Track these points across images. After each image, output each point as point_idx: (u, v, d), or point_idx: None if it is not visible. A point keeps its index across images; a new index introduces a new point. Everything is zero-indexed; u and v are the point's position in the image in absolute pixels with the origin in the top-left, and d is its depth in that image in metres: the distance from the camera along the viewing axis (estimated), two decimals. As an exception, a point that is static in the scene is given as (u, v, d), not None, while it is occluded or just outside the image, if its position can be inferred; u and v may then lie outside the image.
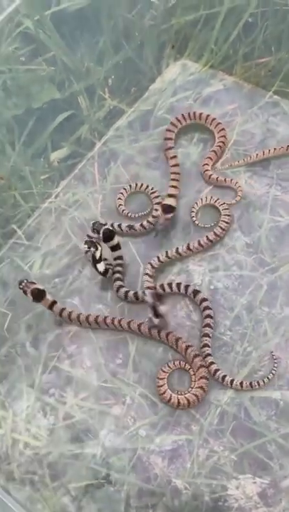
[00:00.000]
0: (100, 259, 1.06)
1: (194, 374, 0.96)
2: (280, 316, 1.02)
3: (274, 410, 0.93)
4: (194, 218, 1.15)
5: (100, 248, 1.06)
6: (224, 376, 0.95)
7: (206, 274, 1.09)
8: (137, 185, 1.22)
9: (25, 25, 1.32)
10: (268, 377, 0.94)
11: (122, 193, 1.20)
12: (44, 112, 1.27)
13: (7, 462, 0.93)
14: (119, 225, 1.15)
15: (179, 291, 1.05)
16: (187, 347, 0.98)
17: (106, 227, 1.07)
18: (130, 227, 1.15)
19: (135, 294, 1.05)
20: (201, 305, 1.02)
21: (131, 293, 1.05)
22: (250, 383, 0.94)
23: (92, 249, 1.05)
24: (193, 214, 1.16)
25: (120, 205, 1.19)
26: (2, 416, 0.97)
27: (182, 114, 1.28)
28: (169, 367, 0.98)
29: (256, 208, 1.16)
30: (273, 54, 1.32)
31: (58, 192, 1.25)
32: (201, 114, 1.27)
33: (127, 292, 1.05)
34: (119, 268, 1.09)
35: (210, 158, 1.21)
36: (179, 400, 0.93)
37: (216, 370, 0.95)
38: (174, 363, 0.98)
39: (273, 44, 1.33)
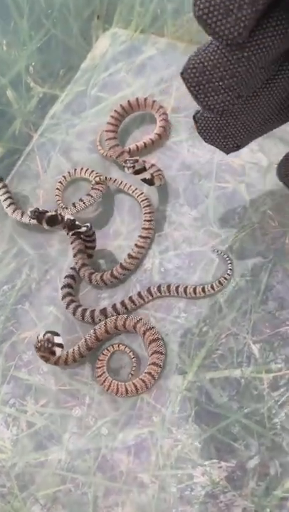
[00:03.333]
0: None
1: (149, 356, 0.93)
2: (234, 290, 0.97)
3: (235, 389, 0.89)
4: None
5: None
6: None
7: (155, 256, 1.04)
8: (75, 170, 1.16)
9: None
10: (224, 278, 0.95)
11: (58, 187, 1.15)
12: (-29, 114, 1.22)
13: (-24, 478, 0.93)
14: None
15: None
16: (145, 331, 0.95)
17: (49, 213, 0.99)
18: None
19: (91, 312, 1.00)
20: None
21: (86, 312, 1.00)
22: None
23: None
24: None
25: (58, 200, 1.13)
26: None
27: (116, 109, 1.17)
28: (104, 354, 0.95)
29: (201, 177, 1.09)
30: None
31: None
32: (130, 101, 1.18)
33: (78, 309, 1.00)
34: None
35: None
36: (125, 387, 0.90)
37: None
38: (107, 349, 0.96)
39: (201, -6, 1.23)
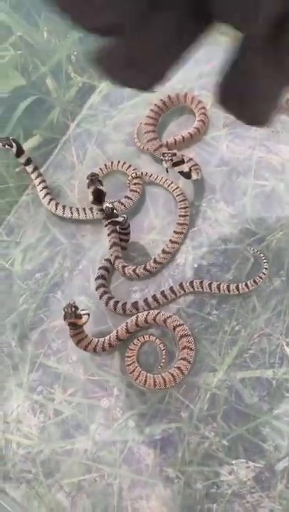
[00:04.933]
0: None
1: (179, 351, 0.93)
2: (269, 290, 0.95)
3: (266, 390, 0.88)
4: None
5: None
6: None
7: (188, 252, 1.03)
8: (112, 163, 1.16)
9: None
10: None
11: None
12: (11, 102, 1.22)
13: (2, 463, 0.94)
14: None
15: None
16: (176, 326, 0.94)
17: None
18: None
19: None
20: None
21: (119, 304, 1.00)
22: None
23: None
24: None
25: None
26: (-6, 417, 0.97)
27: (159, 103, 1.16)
28: (135, 344, 0.95)
29: (240, 174, 1.08)
30: None
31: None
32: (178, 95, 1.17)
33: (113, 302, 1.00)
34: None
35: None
36: (154, 379, 0.90)
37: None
38: (137, 339, 0.95)
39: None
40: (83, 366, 0.97)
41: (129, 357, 0.93)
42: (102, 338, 0.95)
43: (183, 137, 1.13)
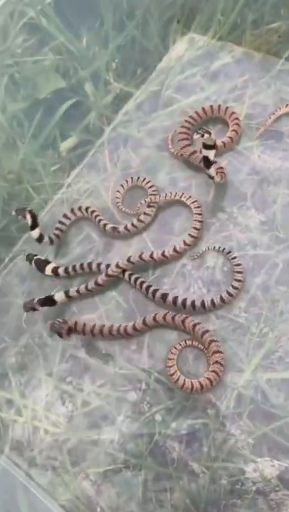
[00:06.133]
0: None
1: (209, 356, 0.95)
2: (297, 295, 0.98)
3: (292, 392, 0.91)
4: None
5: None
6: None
7: (219, 255, 1.07)
8: (135, 178, 1.19)
9: (29, 15, 1.32)
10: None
11: (119, 190, 1.18)
12: (50, 103, 1.27)
13: (29, 449, 0.96)
14: (104, 226, 1.13)
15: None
16: (194, 325, 0.97)
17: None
18: (114, 229, 1.12)
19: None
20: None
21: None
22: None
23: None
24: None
25: (118, 201, 1.17)
26: (23, 404, 1.00)
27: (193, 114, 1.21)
28: (176, 348, 0.97)
29: (270, 183, 1.11)
30: (283, 18, 1.25)
31: (70, 182, 1.26)
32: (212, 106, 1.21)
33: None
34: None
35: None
36: (192, 383, 0.92)
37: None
38: (179, 344, 0.98)
39: (283, 7, 1.26)
40: (112, 359, 1.00)
41: (170, 359, 0.96)
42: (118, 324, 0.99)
43: (217, 145, 1.17)
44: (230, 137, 1.17)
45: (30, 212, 1.10)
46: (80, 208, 1.16)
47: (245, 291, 1.01)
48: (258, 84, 1.24)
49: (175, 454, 0.90)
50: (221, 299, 0.99)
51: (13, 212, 1.11)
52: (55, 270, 1.09)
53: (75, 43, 1.30)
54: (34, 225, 1.10)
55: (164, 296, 1.02)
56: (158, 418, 0.93)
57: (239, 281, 1.00)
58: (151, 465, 0.90)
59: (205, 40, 1.35)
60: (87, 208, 1.15)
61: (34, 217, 1.10)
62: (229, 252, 1.04)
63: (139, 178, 1.18)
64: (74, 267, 1.09)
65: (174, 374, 0.94)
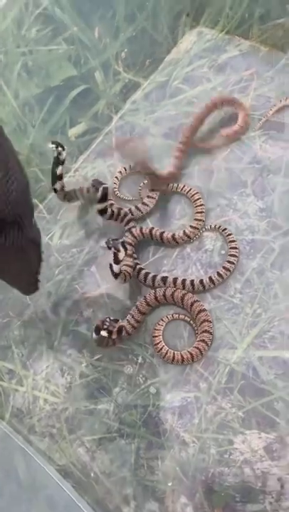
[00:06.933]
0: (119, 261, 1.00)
1: (197, 327, 0.99)
2: (292, 279, 1.02)
3: (282, 369, 0.94)
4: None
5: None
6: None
7: (218, 239, 1.10)
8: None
9: (43, 5, 1.37)
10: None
11: (117, 177, 1.22)
12: (61, 90, 1.31)
13: (29, 416, 1.00)
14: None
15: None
16: (193, 303, 1.01)
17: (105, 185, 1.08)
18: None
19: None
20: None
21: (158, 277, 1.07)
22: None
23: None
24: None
25: (114, 187, 1.21)
26: (24, 375, 1.04)
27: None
28: (163, 320, 1.02)
29: (270, 172, 1.15)
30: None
31: (77, 167, 1.30)
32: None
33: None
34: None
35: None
36: (181, 355, 0.96)
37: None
38: (166, 317, 1.02)
39: (289, 3, 1.30)
40: (111, 335, 1.04)
41: (155, 336, 1.00)
42: (126, 321, 1.03)
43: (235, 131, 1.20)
44: (240, 125, 1.20)
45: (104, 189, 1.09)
46: None
47: (241, 273, 1.05)
48: (262, 77, 1.28)
49: (167, 424, 0.94)
50: (218, 274, 1.03)
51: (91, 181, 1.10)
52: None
53: (88, 34, 1.35)
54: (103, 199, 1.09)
55: (164, 278, 1.06)
56: (152, 390, 0.97)
57: (234, 256, 1.05)
58: (144, 434, 0.94)
59: (213, 34, 1.39)
60: None
61: (105, 195, 1.09)
62: (225, 229, 1.09)
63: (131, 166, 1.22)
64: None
65: (162, 349, 0.98)
